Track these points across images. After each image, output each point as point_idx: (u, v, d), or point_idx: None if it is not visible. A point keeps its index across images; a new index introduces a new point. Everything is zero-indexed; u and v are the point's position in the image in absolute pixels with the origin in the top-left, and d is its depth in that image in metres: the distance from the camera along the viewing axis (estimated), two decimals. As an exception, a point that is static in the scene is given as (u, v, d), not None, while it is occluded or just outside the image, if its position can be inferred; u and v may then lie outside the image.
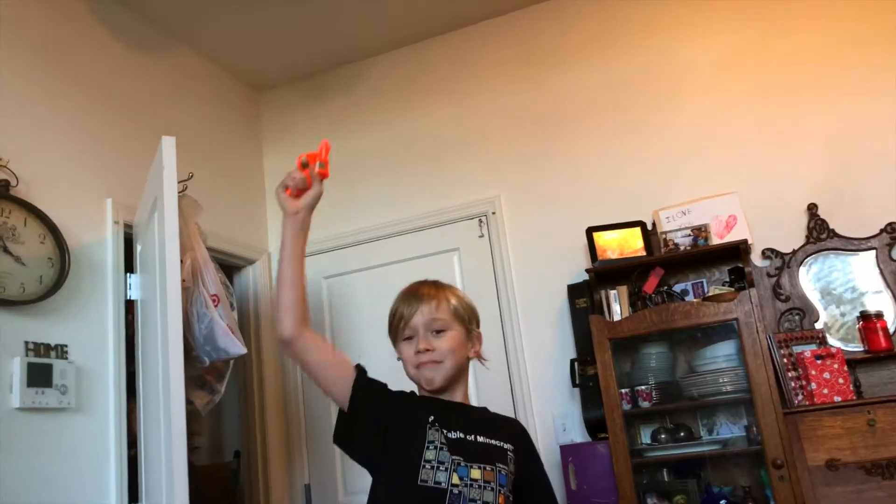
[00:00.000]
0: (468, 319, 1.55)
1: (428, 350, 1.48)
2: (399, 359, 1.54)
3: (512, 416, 1.69)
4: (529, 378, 3.21)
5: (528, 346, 3.24)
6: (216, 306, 2.51)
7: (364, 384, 1.47)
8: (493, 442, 1.47)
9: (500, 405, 3.17)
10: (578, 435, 3.06)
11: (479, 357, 1.59)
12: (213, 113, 3.68)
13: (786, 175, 2.98)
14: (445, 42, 3.72)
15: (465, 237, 3.47)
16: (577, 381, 2.98)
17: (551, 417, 3.14)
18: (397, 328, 1.53)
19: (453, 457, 1.39)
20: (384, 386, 1.51)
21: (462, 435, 1.44)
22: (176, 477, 1.99)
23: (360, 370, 1.49)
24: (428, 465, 1.37)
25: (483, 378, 3.25)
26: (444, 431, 1.43)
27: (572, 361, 3.02)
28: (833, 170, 2.92)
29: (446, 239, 3.49)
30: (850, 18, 3.02)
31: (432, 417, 1.44)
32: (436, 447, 1.39)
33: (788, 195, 2.94)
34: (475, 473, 1.39)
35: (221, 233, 3.35)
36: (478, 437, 1.45)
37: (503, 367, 3.25)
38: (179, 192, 2.46)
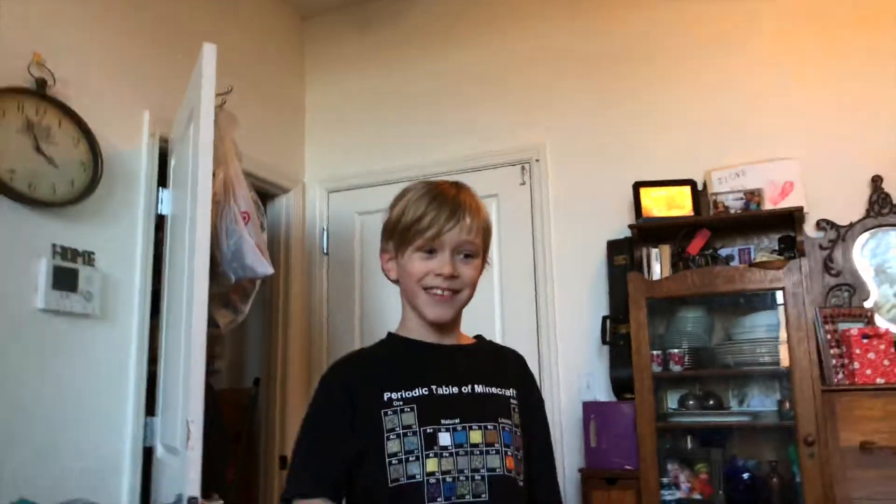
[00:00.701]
0: (488, 244, 1.29)
1: (453, 277, 1.20)
2: (390, 277, 1.28)
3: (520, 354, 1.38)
4: (558, 332, 3.13)
5: (560, 300, 3.15)
6: (246, 224, 2.45)
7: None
8: (493, 390, 1.23)
9: (525, 355, 3.12)
10: (603, 394, 2.98)
11: None
12: (258, 34, 3.58)
13: (852, 143, 2.80)
14: None
15: (506, 183, 3.36)
16: (608, 339, 2.90)
17: (576, 374, 3.06)
18: (413, 234, 1.20)
19: (446, 421, 1.15)
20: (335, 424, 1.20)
21: (457, 389, 1.20)
22: (192, 391, 1.95)
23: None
24: (395, 460, 1.12)
25: (511, 327, 3.19)
26: (432, 388, 1.18)
27: (604, 318, 2.93)
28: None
29: (486, 184, 3.38)
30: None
31: (388, 395, 1.17)
32: (398, 435, 1.13)
33: (852, 165, 2.78)
34: (475, 437, 1.15)
35: (257, 157, 3.28)
36: (475, 386, 1.22)
37: (531, 318, 3.17)
38: (217, 105, 2.38)
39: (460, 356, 1.27)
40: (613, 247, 3.02)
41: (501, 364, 1.31)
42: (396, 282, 1.27)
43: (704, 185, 2.92)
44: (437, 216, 1.19)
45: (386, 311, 3.49)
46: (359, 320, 3.57)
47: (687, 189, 2.90)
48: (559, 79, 3.33)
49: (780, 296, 2.57)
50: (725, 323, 2.81)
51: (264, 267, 2.51)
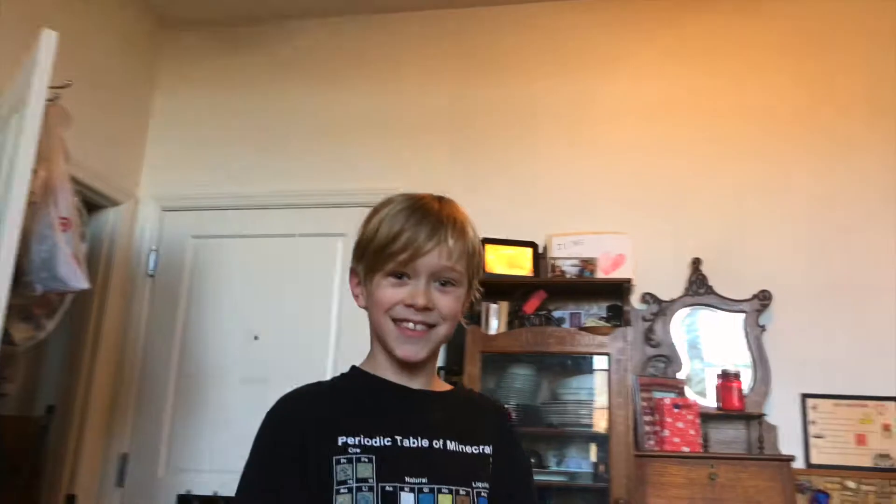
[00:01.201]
0: (475, 271, 1.08)
1: (427, 309, 1.01)
2: (358, 303, 1.09)
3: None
4: (391, 380, 3.07)
5: (396, 347, 3.11)
6: (65, 231, 2.21)
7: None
8: (469, 449, 1.03)
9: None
10: (429, 446, 2.95)
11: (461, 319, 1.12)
12: (110, 32, 3.34)
13: (678, 226, 3.04)
14: (381, 22, 3.57)
15: (355, 224, 3.30)
16: (440, 390, 2.88)
17: (404, 424, 3.01)
18: (385, 256, 1.02)
19: (411, 480, 0.96)
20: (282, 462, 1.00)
21: (427, 442, 1.00)
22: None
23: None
24: None
25: (343, 369, 3.09)
26: (396, 439, 0.99)
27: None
28: (721, 229, 3.02)
29: (334, 222, 3.32)
30: (759, 88, 3.14)
31: (343, 439, 0.97)
32: (350, 489, 0.94)
33: (677, 245, 3.01)
34: (444, 501, 0.97)
35: (88, 163, 3.01)
36: (448, 442, 1.01)
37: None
38: (49, 99, 2.16)
39: (433, 404, 1.06)
40: (454, 299, 3.04)
41: (478, 416, 1.11)
42: (366, 308, 1.08)
43: (545, 248, 3.03)
44: (413, 236, 1.00)
45: (210, 344, 3.28)
46: (179, 351, 3.32)
47: (529, 251, 3.00)
48: (422, 130, 3.37)
49: (604, 361, 2.69)
50: (553, 383, 2.89)
51: (78, 280, 2.27)
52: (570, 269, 2.91)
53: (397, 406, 1.03)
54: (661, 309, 2.93)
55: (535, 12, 3.42)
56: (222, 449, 3.08)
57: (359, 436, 0.97)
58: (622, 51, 3.30)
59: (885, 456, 2.67)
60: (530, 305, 2.88)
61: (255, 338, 3.25)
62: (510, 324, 2.87)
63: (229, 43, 3.69)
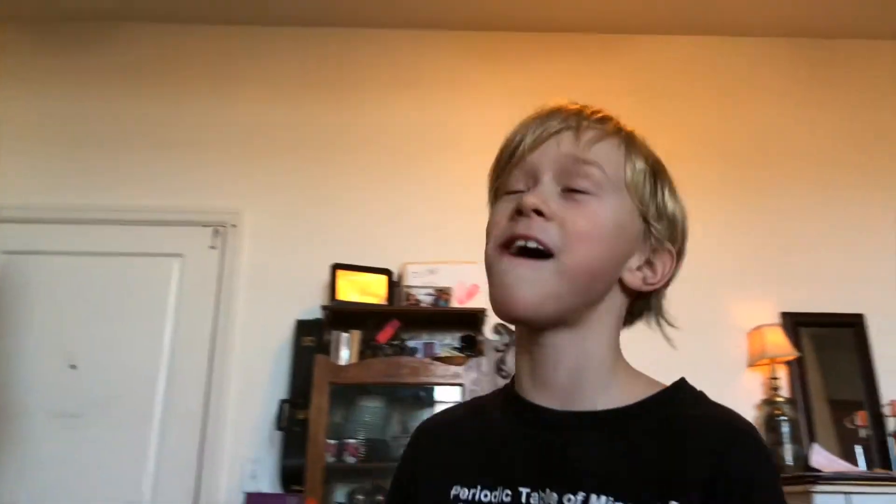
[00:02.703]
0: (657, 202, 0.71)
1: (540, 214, 0.66)
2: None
3: None
4: (229, 413, 2.84)
5: (237, 378, 2.89)
6: None
7: None
8: None
9: (183, 441, 2.78)
10: (268, 485, 2.74)
11: (656, 297, 0.73)
12: None
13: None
14: (227, 34, 3.38)
15: (195, 245, 3.06)
16: (283, 425, 2.70)
17: (241, 461, 2.79)
18: (501, 171, 0.74)
19: None
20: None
21: (556, 497, 0.63)
22: None
23: None
24: None
25: (174, 401, 2.83)
26: (519, 492, 0.65)
27: (282, 402, 2.74)
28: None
29: (171, 242, 3.06)
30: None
31: (456, 489, 0.68)
32: None
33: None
34: None
35: None
36: (593, 496, 0.63)
37: (199, 394, 2.84)
38: None
39: (585, 433, 0.66)
40: (303, 327, 2.88)
41: (677, 450, 0.64)
42: None
43: (400, 276, 2.95)
44: (527, 130, 0.71)
45: (17, 373, 2.88)
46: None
47: (383, 278, 2.91)
48: (272, 149, 3.21)
49: (458, 392, 2.64)
50: (404, 416, 2.80)
51: None
52: (425, 298, 2.84)
53: (529, 439, 0.68)
54: (512, 340, 2.93)
55: (388, 38, 3.39)
56: (33, 495, 2.70)
57: (475, 485, 0.68)
58: (474, 82, 3.34)
59: None
60: (384, 335, 2.77)
61: (72, 367, 2.89)
62: (362, 353, 2.75)
63: (57, 41, 3.34)
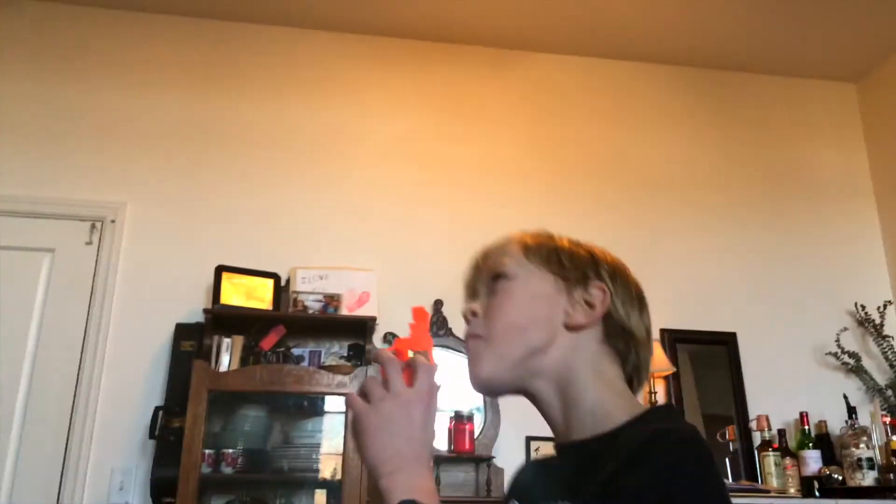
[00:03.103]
0: (561, 259, 0.88)
1: (474, 315, 0.89)
2: None
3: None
4: (97, 420, 2.68)
5: (109, 383, 2.73)
6: None
7: None
8: None
9: (45, 449, 2.60)
10: (138, 497, 2.61)
11: (580, 326, 0.84)
12: None
13: (422, 266, 3.06)
14: (111, 15, 3.20)
15: (68, 240, 2.88)
16: (157, 433, 2.56)
17: (109, 471, 2.64)
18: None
19: None
20: None
21: None
22: None
23: None
24: None
25: (36, 407, 2.65)
26: None
27: (157, 409, 2.61)
28: (462, 272, 3.08)
29: (43, 235, 2.86)
30: (499, 140, 3.31)
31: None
32: None
33: (420, 285, 3.01)
34: None
35: None
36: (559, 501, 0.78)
37: (67, 399, 2.67)
38: None
39: (571, 458, 0.83)
40: (182, 330, 2.75)
41: (593, 468, 0.74)
42: None
43: (289, 281, 2.87)
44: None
45: None
46: None
47: (270, 282, 2.82)
48: (157, 143, 3.06)
49: (344, 402, 2.59)
50: (286, 426, 2.72)
51: None
52: (313, 305, 2.77)
53: (538, 472, 0.96)
54: (402, 349, 2.90)
55: (289, 37, 3.32)
56: None
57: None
58: (372, 87, 3.30)
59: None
60: (268, 341, 2.69)
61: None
62: (245, 360, 2.65)
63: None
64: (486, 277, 0.91)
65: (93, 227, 2.90)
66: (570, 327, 0.85)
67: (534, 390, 0.86)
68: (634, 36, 3.41)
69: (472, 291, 0.93)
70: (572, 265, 0.87)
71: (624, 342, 0.85)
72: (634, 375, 0.87)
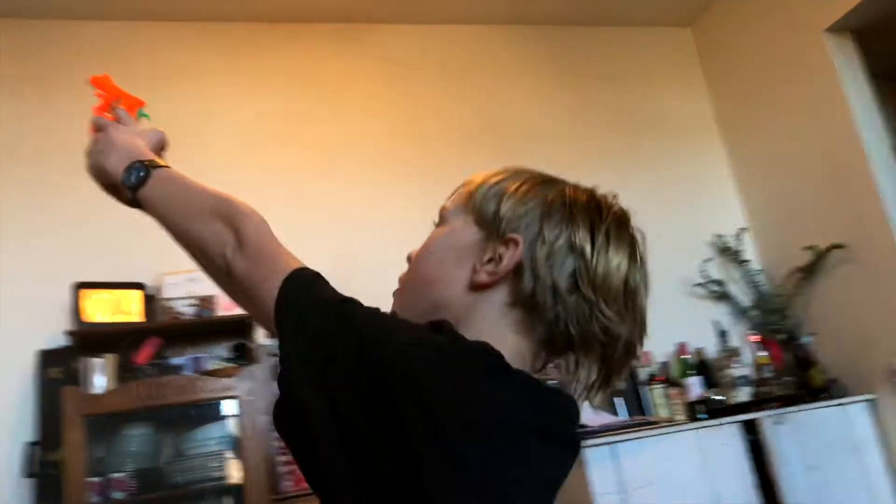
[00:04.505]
0: (494, 209, 0.78)
1: (409, 261, 0.85)
2: None
3: None
4: (-37, 469, 2.46)
5: (-31, 426, 2.50)
6: None
7: None
8: None
9: None
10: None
11: (480, 284, 0.76)
12: None
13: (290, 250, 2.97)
14: None
15: None
16: (34, 470, 2.38)
17: (-17, 520, 2.44)
18: None
19: None
20: None
21: None
22: None
23: None
24: None
25: None
26: None
27: (30, 444, 2.42)
28: (334, 259, 3.02)
29: None
30: (359, 115, 3.26)
31: None
32: None
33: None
34: None
35: None
36: None
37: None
38: None
39: None
40: (47, 358, 2.56)
41: None
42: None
43: (158, 289, 2.72)
44: None
45: None
46: None
47: (137, 293, 2.67)
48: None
49: (234, 405, 2.50)
50: (176, 439, 2.59)
51: None
52: (186, 310, 2.65)
53: None
54: (289, 342, 2.83)
55: (122, 32, 3.12)
56: None
57: None
58: (216, 74, 3.17)
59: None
60: (143, 355, 2.54)
61: None
62: (122, 378, 2.50)
63: None
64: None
65: (-75, 261, 2.63)
66: (473, 286, 0.76)
67: None
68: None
69: None
70: (502, 213, 0.77)
71: (531, 307, 0.74)
72: (561, 355, 0.76)
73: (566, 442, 0.74)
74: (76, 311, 2.53)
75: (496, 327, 0.74)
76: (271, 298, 0.71)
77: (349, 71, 3.33)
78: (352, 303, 0.70)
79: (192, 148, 3.01)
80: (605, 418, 2.88)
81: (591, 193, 0.81)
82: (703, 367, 3.14)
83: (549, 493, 0.72)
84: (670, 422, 2.84)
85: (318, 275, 0.74)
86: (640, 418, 2.90)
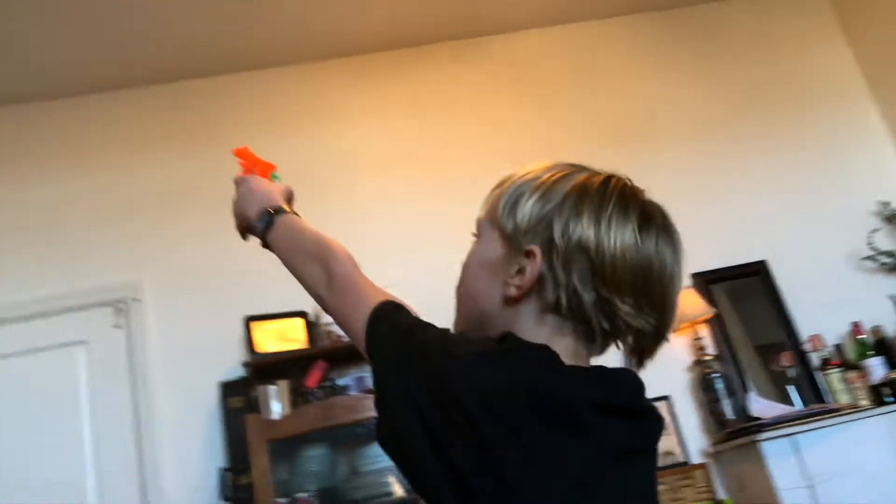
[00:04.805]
0: (513, 222, 0.79)
1: None
2: None
3: None
4: (166, 494, 2.69)
5: (169, 456, 2.75)
6: None
7: None
8: None
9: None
10: (224, 561, 2.61)
11: (512, 299, 0.78)
12: None
13: (439, 278, 3.04)
14: (46, 108, 3.20)
15: (97, 327, 2.90)
16: (229, 494, 2.57)
17: (191, 542, 2.65)
18: None
19: None
20: None
21: None
22: None
23: None
24: None
25: (108, 495, 2.66)
26: None
27: (223, 470, 2.62)
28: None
29: (71, 329, 2.88)
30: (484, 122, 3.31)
31: None
32: None
33: (438, 299, 2.99)
34: None
35: None
36: None
37: (134, 481, 2.69)
38: None
39: None
40: (228, 389, 2.77)
41: None
42: None
43: (317, 315, 2.87)
44: None
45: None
46: None
47: (300, 321, 2.82)
48: (160, 212, 3.08)
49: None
50: (349, 456, 2.71)
51: None
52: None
53: None
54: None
55: (254, 80, 3.33)
56: None
57: None
58: (364, 109, 3.32)
59: (669, 453, 2.82)
60: (312, 379, 2.69)
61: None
62: (294, 403, 2.65)
63: None
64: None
65: (117, 309, 2.92)
66: (507, 300, 0.78)
67: None
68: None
69: None
70: (519, 225, 0.78)
71: (562, 312, 0.75)
72: (615, 342, 0.78)
73: (633, 411, 0.75)
74: (249, 342, 2.71)
75: (539, 334, 0.76)
76: (360, 330, 0.81)
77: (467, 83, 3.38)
78: (427, 326, 0.78)
79: (343, 181, 3.17)
80: (777, 408, 2.73)
81: (601, 180, 0.80)
82: (882, 347, 2.91)
83: (627, 461, 0.73)
84: (855, 408, 2.65)
85: (398, 305, 0.83)
86: (820, 406, 2.72)
